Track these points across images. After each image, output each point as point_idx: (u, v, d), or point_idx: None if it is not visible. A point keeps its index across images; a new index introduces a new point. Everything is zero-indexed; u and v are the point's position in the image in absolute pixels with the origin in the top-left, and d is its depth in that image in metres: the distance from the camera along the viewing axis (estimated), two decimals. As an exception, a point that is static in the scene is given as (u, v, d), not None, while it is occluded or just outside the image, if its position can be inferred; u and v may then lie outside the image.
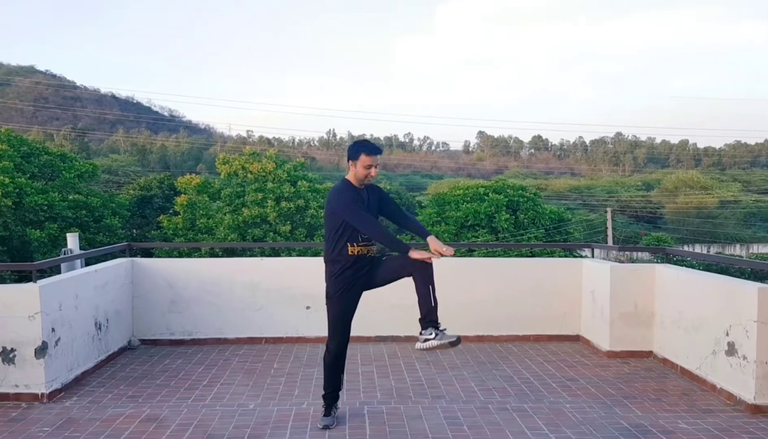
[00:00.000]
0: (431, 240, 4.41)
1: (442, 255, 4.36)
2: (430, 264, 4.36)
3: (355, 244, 4.41)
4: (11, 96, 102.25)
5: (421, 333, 4.39)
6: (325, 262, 4.54)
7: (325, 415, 4.62)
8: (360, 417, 4.77)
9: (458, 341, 4.37)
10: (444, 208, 26.98)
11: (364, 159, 4.40)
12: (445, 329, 4.38)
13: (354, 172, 4.45)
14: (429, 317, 4.37)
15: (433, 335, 4.34)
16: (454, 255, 4.55)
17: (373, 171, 4.43)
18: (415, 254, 4.29)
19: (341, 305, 4.49)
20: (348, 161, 4.49)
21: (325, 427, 4.53)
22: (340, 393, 4.73)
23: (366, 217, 4.36)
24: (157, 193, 31.49)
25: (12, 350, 5.07)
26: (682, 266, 6.78)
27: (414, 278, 4.40)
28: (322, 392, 4.66)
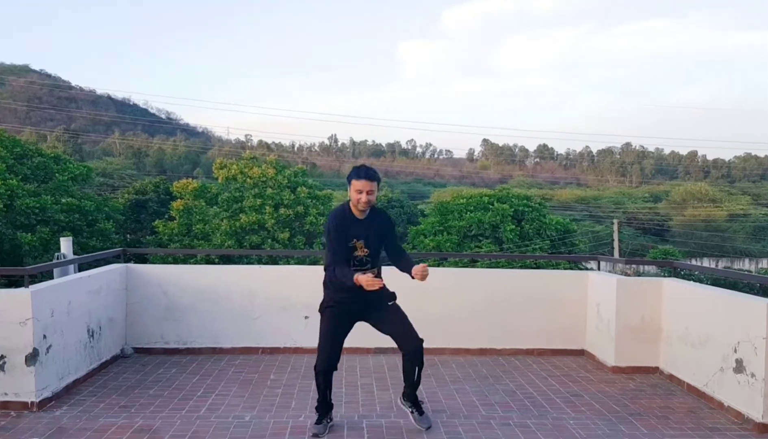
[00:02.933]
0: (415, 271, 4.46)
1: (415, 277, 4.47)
2: (421, 349, 4.60)
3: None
4: (4, 96, 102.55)
5: (402, 402, 4.85)
6: (324, 280, 4.70)
7: (315, 423, 4.72)
8: (358, 430, 4.77)
9: (429, 428, 4.74)
10: (447, 217, 26.99)
11: (353, 183, 4.51)
12: (422, 406, 4.83)
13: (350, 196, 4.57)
14: (408, 394, 4.77)
15: (410, 411, 4.80)
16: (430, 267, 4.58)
17: (364, 197, 4.46)
18: (360, 279, 4.34)
19: (328, 321, 4.63)
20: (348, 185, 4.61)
21: (314, 435, 4.62)
22: (330, 407, 4.80)
23: (338, 258, 4.50)
24: (152, 198, 31.54)
25: (2, 356, 5.07)
26: (689, 280, 6.78)
27: (403, 357, 4.66)
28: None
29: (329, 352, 4.58)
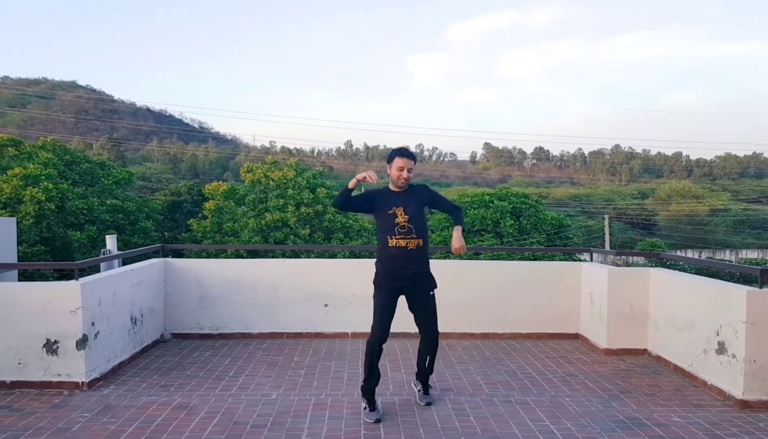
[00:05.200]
0: (456, 230, 4.67)
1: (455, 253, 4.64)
2: (436, 341, 4.75)
3: (393, 237, 4.50)
4: (55, 109, 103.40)
5: (414, 383, 4.97)
6: (376, 257, 4.70)
7: (370, 410, 4.54)
8: (374, 407, 4.77)
9: (428, 404, 4.81)
10: (452, 214, 26.92)
11: (396, 161, 4.56)
12: (429, 388, 4.93)
13: (390, 175, 4.60)
14: (419, 376, 4.88)
15: (417, 390, 4.91)
16: (462, 256, 4.65)
17: (405, 173, 4.54)
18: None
19: (380, 299, 4.57)
20: (387, 167, 4.64)
21: (377, 421, 4.43)
22: (375, 385, 4.65)
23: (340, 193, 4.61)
24: (187, 199, 31.69)
25: (55, 341, 5.13)
26: (674, 269, 6.73)
27: (421, 340, 4.77)
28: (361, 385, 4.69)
29: (383, 326, 4.54)
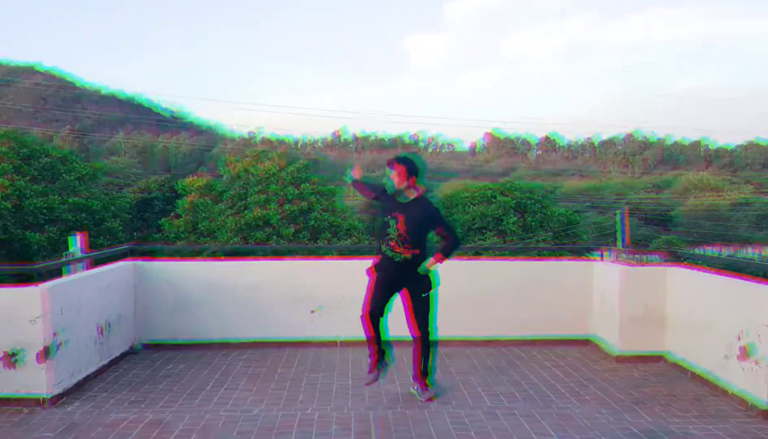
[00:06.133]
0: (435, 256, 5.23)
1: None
2: (426, 339, 5.26)
3: (384, 245, 5.11)
4: (10, 97, 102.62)
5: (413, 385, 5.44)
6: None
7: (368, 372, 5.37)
8: (366, 422, 4.79)
9: (423, 401, 5.31)
10: (451, 210, 27.00)
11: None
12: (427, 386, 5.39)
13: None
14: (418, 378, 5.38)
15: (415, 389, 5.41)
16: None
17: (396, 179, 5.08)
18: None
19: (374, 279, 5.19)
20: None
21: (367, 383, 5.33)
22: (381, 353, 5.36)
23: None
24: (158, 196, 31.57)
25: (14, 353, 5.11)
26: (693, 267, 6.76)
27: (416, 341, 5.30)
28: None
29: (375, 299, 5.14)
